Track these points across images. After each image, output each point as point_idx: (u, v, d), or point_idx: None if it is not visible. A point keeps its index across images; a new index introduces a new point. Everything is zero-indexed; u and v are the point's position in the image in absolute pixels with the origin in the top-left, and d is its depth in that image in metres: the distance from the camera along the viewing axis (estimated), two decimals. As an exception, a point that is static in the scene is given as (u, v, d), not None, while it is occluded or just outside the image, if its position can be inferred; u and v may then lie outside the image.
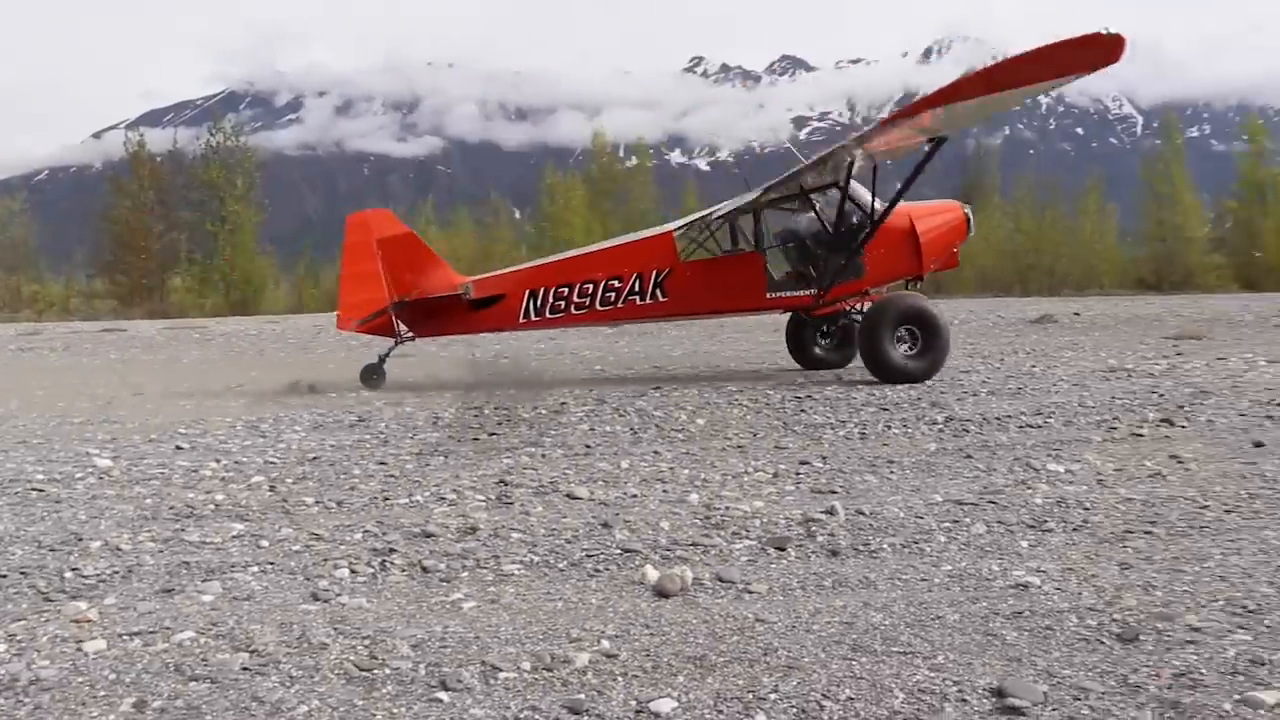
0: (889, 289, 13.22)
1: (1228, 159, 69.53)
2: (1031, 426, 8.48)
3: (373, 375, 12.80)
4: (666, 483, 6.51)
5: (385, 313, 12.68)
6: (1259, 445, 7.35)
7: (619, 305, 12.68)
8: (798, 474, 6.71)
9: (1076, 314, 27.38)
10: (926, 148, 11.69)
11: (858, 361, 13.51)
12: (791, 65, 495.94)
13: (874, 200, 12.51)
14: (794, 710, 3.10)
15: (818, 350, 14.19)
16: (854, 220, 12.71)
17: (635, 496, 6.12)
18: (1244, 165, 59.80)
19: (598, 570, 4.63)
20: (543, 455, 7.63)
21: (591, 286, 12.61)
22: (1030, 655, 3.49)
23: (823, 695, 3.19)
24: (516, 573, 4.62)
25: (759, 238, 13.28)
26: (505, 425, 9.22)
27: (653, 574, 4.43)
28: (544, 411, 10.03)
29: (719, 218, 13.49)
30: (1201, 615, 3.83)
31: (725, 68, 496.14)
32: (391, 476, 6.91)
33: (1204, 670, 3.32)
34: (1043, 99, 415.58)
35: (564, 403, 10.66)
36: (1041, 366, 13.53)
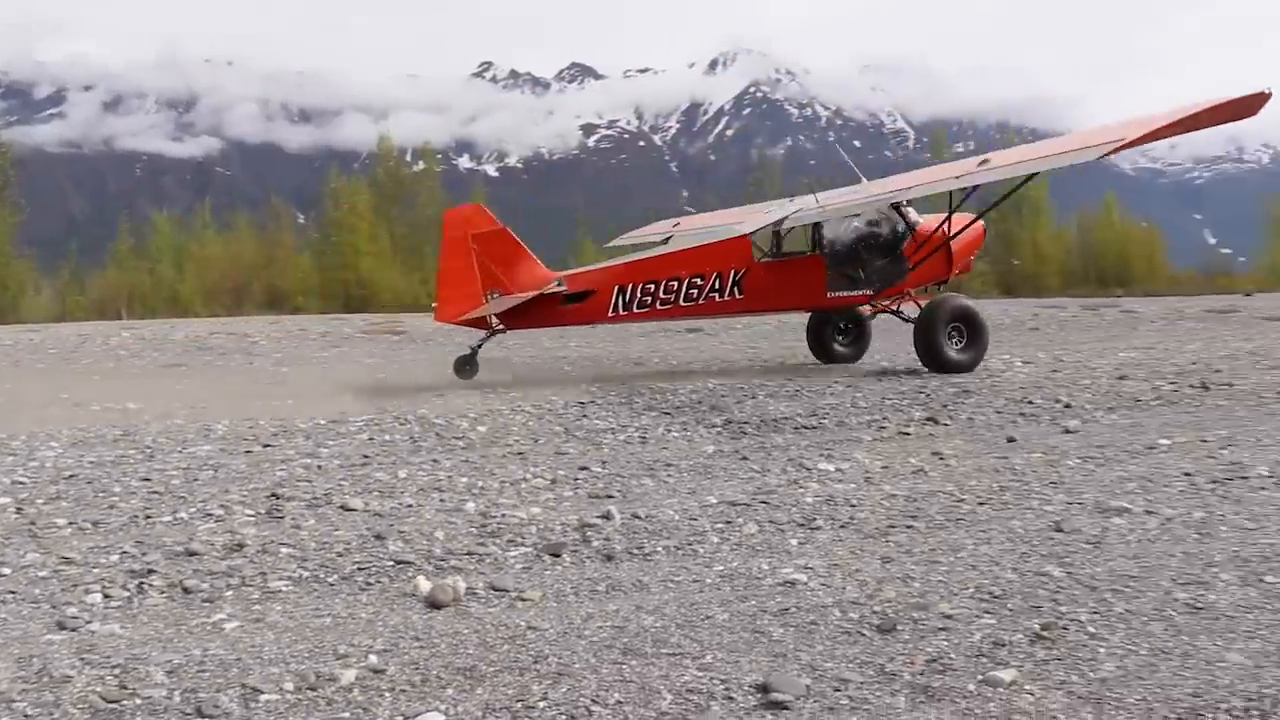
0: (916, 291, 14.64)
1: (989, 172, 73.69)
2: (807, 428, 8.78)
3: (465, 366, 13.19)
4: (444, 491, 6.41)
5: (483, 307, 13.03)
6: (1011, 441, 7.86)
7: (700, 302, 13.48)
8: (576, 479, 6.72)
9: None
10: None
11: (868, 356, 15.37)
12: (581, 73, 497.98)
13: (947, 219, 13.89)
14: (563, 717, 3.10)
15: (836, 346, 15.40)
16: (899, 230, 14.27)
17: (411, 506, 6.00)
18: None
19: (369, 583, 4.51)
20: (318, 466, 7.39)
21: (676, 284, 13.37)
22: (795, 650, 3.60)
23: (592, 700, 3.20)
24: (284, 589, 4.45)
25: (822, 243, 14.30)
26: (281, 436, 8.89)
27: (425, 585, 4.35)
28: (322, 421, 9.72)
29: (802, 226, 14.43)
30: (954, 603, 4.04)
31: (514, 74, 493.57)
32: (155, 493, 6.53)
33: (953, 655, 3.50)
34: (822, 112, 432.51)
35: (343, 411, 10.39)
36: (818, 369, 14.10)
